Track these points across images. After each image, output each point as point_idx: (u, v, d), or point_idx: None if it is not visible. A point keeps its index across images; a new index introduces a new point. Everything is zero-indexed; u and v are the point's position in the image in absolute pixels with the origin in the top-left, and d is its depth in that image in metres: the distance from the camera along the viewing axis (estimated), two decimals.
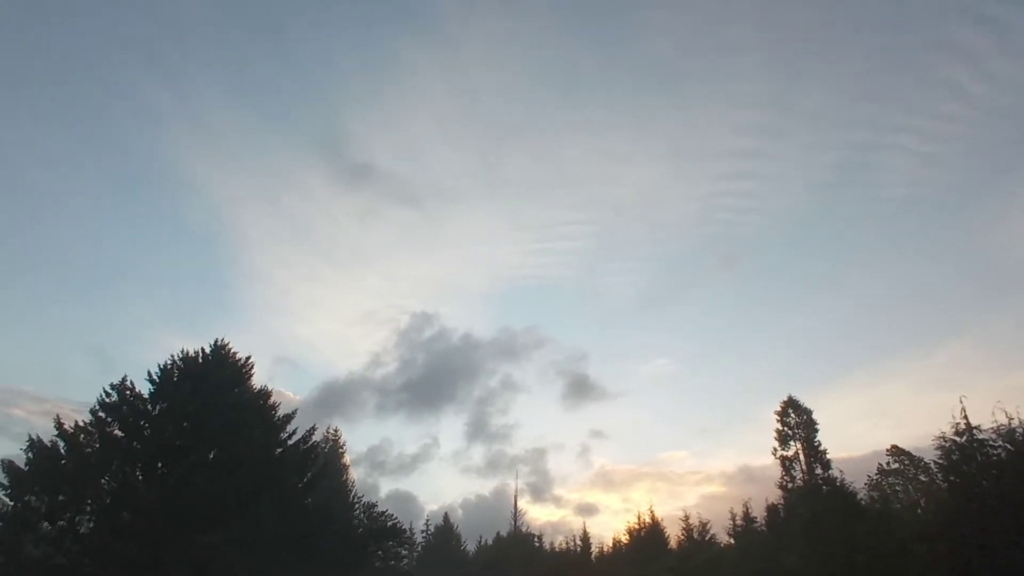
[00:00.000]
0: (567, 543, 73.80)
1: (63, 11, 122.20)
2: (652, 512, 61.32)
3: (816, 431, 38.16)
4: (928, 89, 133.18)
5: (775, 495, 40.17)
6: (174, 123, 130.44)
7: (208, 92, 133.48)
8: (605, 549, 69.65)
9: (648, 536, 59.80)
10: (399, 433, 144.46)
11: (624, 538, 64.69)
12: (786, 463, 38.02)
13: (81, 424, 27.56)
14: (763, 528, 44.09)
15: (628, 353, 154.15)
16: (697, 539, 54.47)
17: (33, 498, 25.39)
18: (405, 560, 54.85)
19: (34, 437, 26.62)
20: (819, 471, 36.54)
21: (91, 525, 25.91)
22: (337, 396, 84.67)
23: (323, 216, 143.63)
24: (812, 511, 33.72)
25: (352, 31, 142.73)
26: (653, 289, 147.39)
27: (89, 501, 26.03)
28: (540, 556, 66.21)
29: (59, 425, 27.02)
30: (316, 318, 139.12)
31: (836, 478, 35.67)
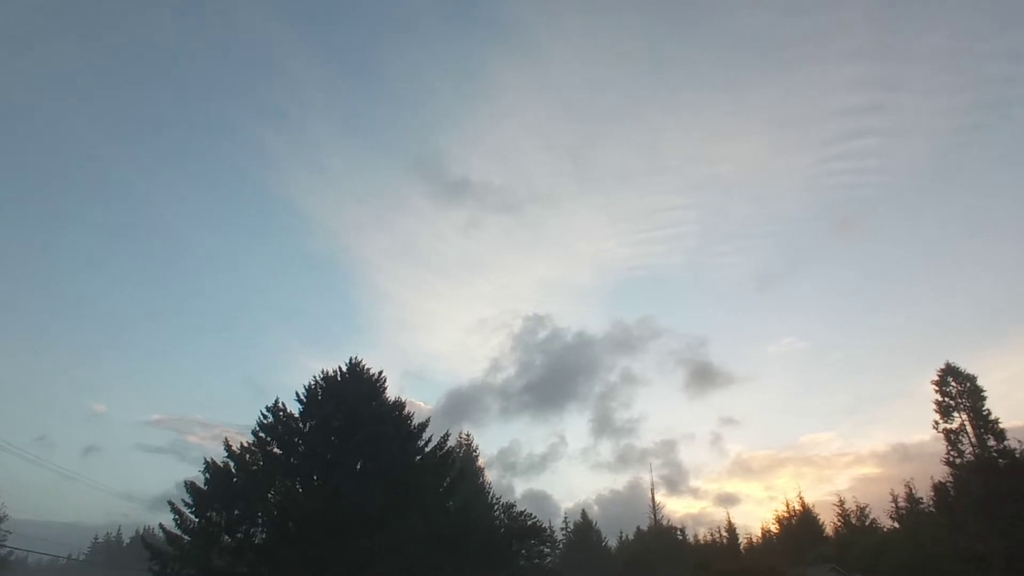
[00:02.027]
0: (711, 535, 71.54)
1: (199, 82, 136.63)
2: (801, 499, 58.10)
3: (983, 399, 34.48)
4: None
5: (939, 472, 36.67)
6: (293, 167, 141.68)
7: (318, 135, 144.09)
8: (754, 540, 66.80)
9: (800, 524, 56.71)
10: (526, 434, 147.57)
11: (774, 527, 61.79)
12: (951, 437, 34.66)
13: (245, 445, 30.49)
14: (931, 509, 40.40)
15: (751, 335, 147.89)
16: (856, 524, 50.89)
17: (214, 514, 28.29)
18: (548, 558, 55.51)
19: (208, 460, 29.81)
20: (992, 443, 32.99)
21: (263, 536, 28.51)
22: (463, 403, 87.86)
23: (431, 233, 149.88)
24: (988, 488, 30.47)
25: (438, 52, 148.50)
26: (769, 266, 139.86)
27: (260, 514, 28.66)
28: (685, 549, 64.61)
29: (228, 447, 30.07)
30: (436, 330, 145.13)
31: (1015, 449, 31.97)
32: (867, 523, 51.39)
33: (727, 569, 40.09)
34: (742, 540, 66.82)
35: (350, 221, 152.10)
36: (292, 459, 30.21)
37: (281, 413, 31.25)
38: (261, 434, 30.76)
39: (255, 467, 29.69)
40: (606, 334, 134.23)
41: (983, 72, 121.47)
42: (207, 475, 29.24)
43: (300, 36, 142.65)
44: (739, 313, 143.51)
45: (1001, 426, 33.15)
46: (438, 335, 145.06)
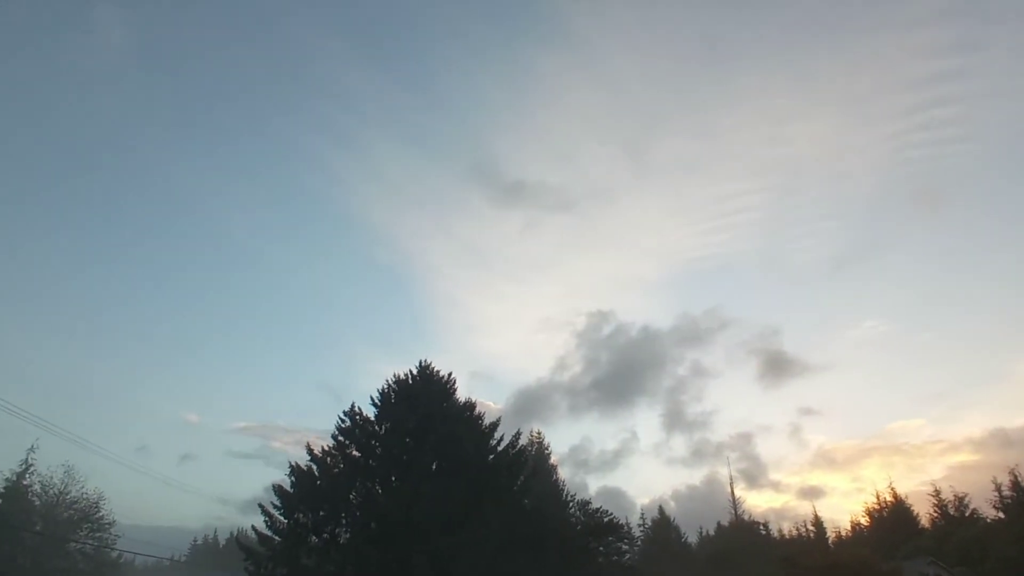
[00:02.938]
0: (797, 530, 69.02)
1: (265, 104, 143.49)
2: (893, 489, 55.18)
3: None
4: None
5: None
6: (356, 180, 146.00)
7: (377, 147, 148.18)
8: (843, 533, 64.03)
9: (893, 516, 54.00)
10: (596, 431, 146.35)
11: (864, 520, 59.04)
12: None
13: (326, 448, 31.66)
14: None
15: (827, 320, 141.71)
16: (955, 515, 47.93)
17: (300, 515, 29.50)
18: (627, 555, 54.99)
19: (293, 463, 31.12)
20: None
21: (347, 535, 29.52)
22: (531, 401, 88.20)
23: (491, 236, 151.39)
24: None
25: (487, 55, 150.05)
26: (845, 248, 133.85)
27: (343, 515, 29.70)
28: (769, 544, 62.59)
29: (310, 451, 31.31)
30: (501, 331, 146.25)
31: None
32: (967, 514, 48.29)
33: (816, 564, 38.56)
34: (830, 534, 64.17)
35: (412, 229, 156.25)
36: (371, 461, 31.16)
37: (358, 417, 32.31)
38: (340, 437, 31.88)
39: (336, 470, 30.77)
40: (672, 327, 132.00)
41: None
42: (292, 478, 30.51)
43: (354, 52, 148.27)
44: (813, 299, 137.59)
45: None
46: (503, 336, 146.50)
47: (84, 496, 46.51)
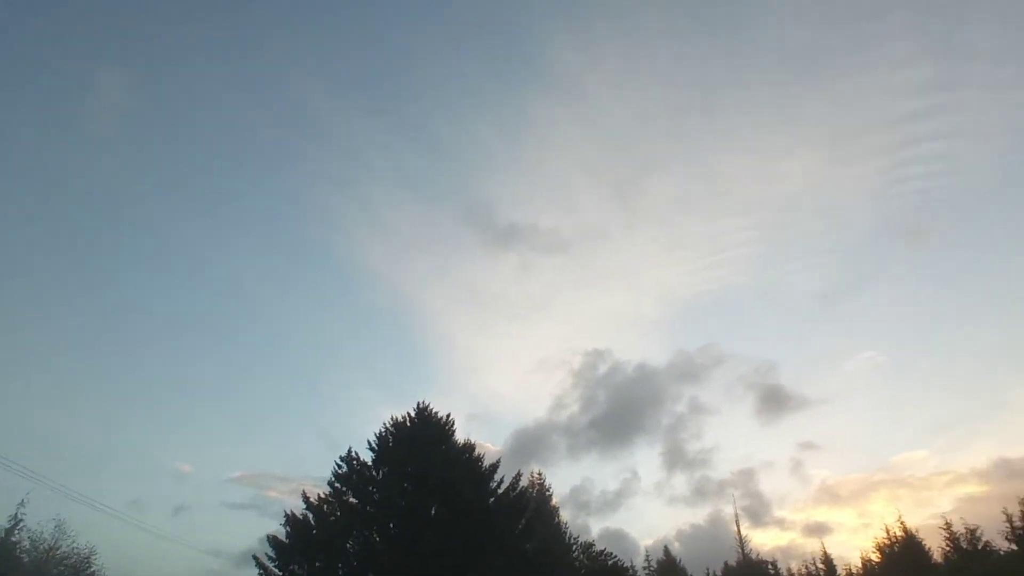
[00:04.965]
0: (806, 567, 67.36)
1: (264, 152, 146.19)
2: (902, 523, 53.98)
3: None
4: None
5: None
6: (355, 226, 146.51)
7: (375, 193, 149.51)
8: (853, 570, 62.50)
9: (904, 551, 52.64)
10: (597, 471, 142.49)
11: (874, 556, 57.62)
12: None
13: (322, 496, 30.94)
14: None
15: (823, 353, 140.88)
16: (967, 548, 46.84)
17: (296, 567, 28.68)
18: None
19: (288, 512, 30.37)
20: None
21: None
22: (530, 443, 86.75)
23: (487, 278, 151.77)
24: None
25: (481, 99, 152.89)
26: (838, 280, 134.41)
27: (340, 564, 28.86)
28: None
29: (306, 499, 30.58)
30: (498, 372, 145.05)
31: None
32: (980, 546, 47.26)
33: None
34: (841, 572, 62.59)
35: (410, 272, 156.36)
36: (368, 507, 30.42)
37: (355, 462, 31.67)
38: (337, 484, 31.19)
39: (332, 518, 30.03)
40: (669, 364, 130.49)
41: None
42: (288, 528, 29.75)
43: (353, 100, 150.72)
44: (809, 332, 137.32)
45: None
46: (501, 376, 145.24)
47: (75, 551, 45.05)
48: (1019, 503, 42.02)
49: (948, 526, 48.93)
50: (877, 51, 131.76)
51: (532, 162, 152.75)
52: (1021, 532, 41.51)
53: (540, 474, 53.46)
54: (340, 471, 31.47)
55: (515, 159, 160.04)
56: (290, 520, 29.86)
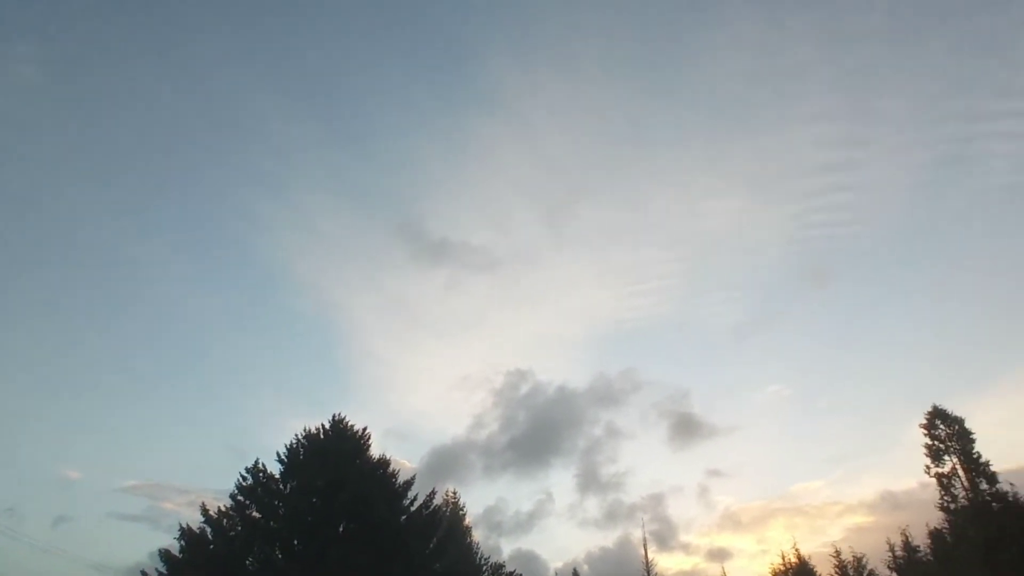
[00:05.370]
0: None
1: (191, 150, 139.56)
2: (797, 550, 56.69)
3: (972, 441, 34.33)
4: (1020, 69, 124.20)
5: (932, 519, 36.19)
6: (282, 231, 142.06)
7: (308, 200, 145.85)
8: None
9: None
10: (512, 492, 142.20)
11: None
12: (943, 481, 34.36)
13: (223, 509, 29.30)
14: (929, 557, 39.58)
15: (734, 384, 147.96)
16: None
17: None
18: None
19: (184, 526, 28.56)
20: (984, 486, 32.65)
21: None
22: (447, 461, 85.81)
23: (415, 292, 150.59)
24: (986, 533, 29.98)
25: (424, 115, 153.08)
26: (751, 316, 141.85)
27: None
28: None
29: (205, 512, 28.86)
30: (420, 387, 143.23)
31: (1007, 492, 31.70)
32: (865, 574, 50.28)
33: None
34: None
35: (336, 281, 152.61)
36: (272, 522, 29.02)
37: (261, 474, 30.22)
38: (240, 497, 29.62)
39: (233, 532, 28.47)
40: (589, 387, 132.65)
41: (941, 132, 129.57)
42: (182, 542, 27.98)
43: (288, 103, 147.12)
44: (722, 363, 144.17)
45: (992, 469, 32.97)
46: (422, 392, 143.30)
47: None
48: (900, 534, 45.01)
49: (837, 554, 51.77)
50: (797, 107, 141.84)
51: (468, 180, 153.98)
52: (902, 561, 44.36)
53: (455, 493, 52.84)
54: (245, 483, 29.95)
55: (452, 175, 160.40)
56: (185, 534, 28.10)
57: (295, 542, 28.42)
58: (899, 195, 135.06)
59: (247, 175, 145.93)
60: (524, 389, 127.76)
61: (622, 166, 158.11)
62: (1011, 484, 32.30)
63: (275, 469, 30.67)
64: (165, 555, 27.53)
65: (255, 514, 29.34)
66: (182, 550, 27.73)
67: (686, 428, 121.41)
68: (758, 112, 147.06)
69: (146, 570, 27.68)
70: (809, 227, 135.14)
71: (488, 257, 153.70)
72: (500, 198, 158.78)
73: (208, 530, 28.35)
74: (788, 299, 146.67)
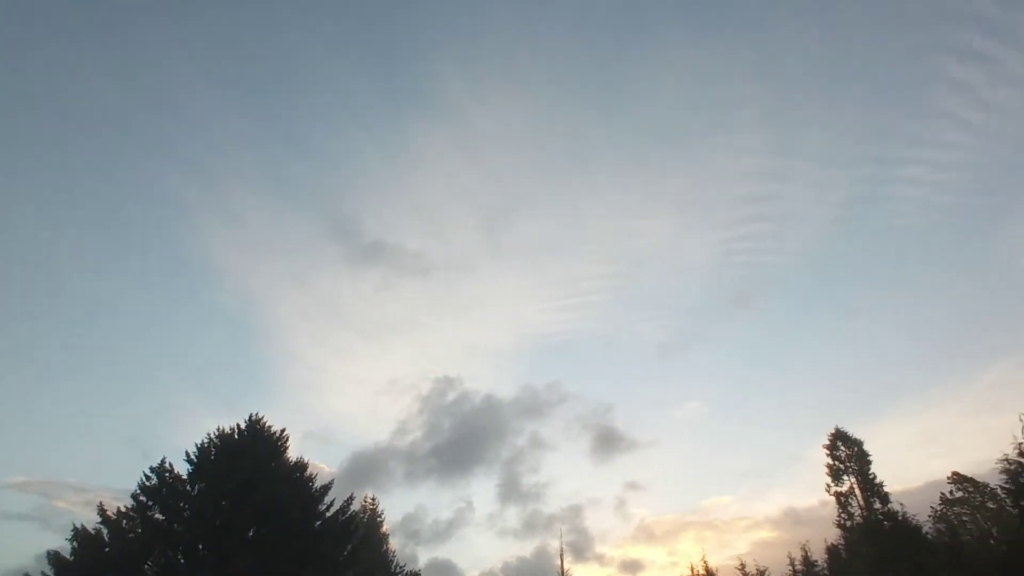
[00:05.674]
0: None
1: (114, 133, 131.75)
2: (705, 563, 58.70)
3: (869, 463, 36.61)
4: (929, 120, 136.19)
5: (830, 536, 38.36)
6: (206, 217, 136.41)
7: (238, 192, 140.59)
8: None
9: None
10: (432, 500, 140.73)
11: None
12: (841, 499, 36.41)
13: (123, 510, 27.63)
14: (825, 572, 41.82)
15: (656, 400, 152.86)
16: None
17: None
18: None
19: (77, 526, 26.76)
20: (878, 505, 34.82)
21: None
22: (367, 466, 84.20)
23: (346, 293, 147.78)
24: (876, 549, 31.94)
25: (366, 117, 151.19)
26: (675, 335, 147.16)
27: None
28: None
29: (102, 512, 27.13)
30: (345, 390, 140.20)
31: (897, 511, 33.93)
32: None
33: None
34: None
35: (264, 276, 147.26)
36: (176, 525, 27.58)
37: (167, 474, 28.68)
38: (142, 497, 28.00)
39: (131, 535, 26.87)
40: (515, 397, 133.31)
41: (856, 172, 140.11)
42: (74, 544, 26.21)
43: (224, 93, 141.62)
44: (645, 379, 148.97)
45: (886, 490, 35.22)
46: (346, 395, 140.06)
47: None
48: (801, 548, 47.36)
49: (743, 567, 53.96)
50: (729, 138, 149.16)
51: (407, 183, 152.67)
52: (801, 574, 46.67)
53: (374, 499, 51.83)
54: (148, 483, 28.34)
55: (391, 178, 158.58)
56: (79, 534, 26.35)
57: (200, 546, 27.12)
58: (815, 228, 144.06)
59: (175, 160, 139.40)
60: (451, 396, 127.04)
61: (561, 181, 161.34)
62: (901, 504, 34.67)
63: (183, 469, 29.22)
64: (54, 557, 25.74)
65: (158, 516, 27.81)
66: (74, 552, 25.99)
67: (608, 441, 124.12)
68: (693, 140, 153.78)
69: (30, 573, 25.77)
70: (733, 253, 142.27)
71: (423, 262, 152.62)
72: (439, 204, 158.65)
73: (104, 531, 26.69)
74: (711, 320, 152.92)
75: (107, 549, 26.09)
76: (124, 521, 27.20)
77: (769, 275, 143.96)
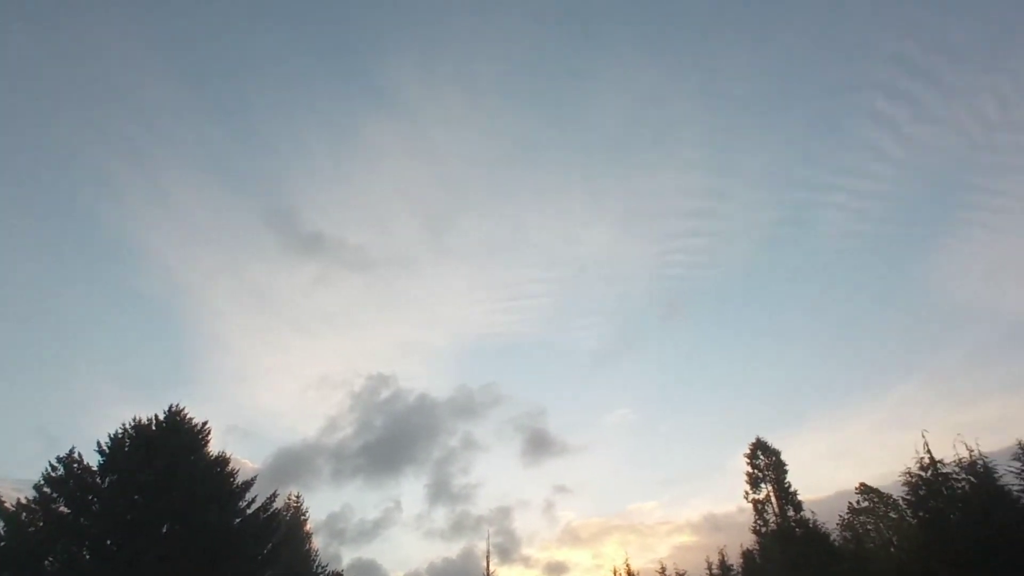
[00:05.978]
0: None
1: (29, 97, 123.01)
2: (628, 566, 60.05)
3: (786, 472, 38.23)
4: (855, 152, 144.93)
5: (746, 541, 39.87)
6: (132, 194, 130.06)
7: (171, 170, 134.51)
8: None
9: None
10: (359, 499, 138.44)
11: None
12: (758, 506, 37.86)
13: (24, 502, 25.94)
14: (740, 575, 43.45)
15: (588, 405, 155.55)
16: None
17: None
18: None
19: None
20: (791, 513, 36.39)
21: None
22: (294, 462, 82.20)
23: (280, 284, 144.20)
24: (787, 555, 33.38)
25: (312, 102, 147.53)
26: (611, 342, 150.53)
27: None
28: None
29: None
30: (274, 384, 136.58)
31: (808, 519, 35.55)
32: None
33: None
34: None
35: (193, 261, 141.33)
36: (82, 519, 26.09)
37: (75, 465, 27.12)
38: (46, 489, 26.37)
39: (32, 528, 25.25)
40: (450, 398, 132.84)
41: (787, 196, 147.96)
42: None
43: (163, 65, 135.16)
44: (580, 384, 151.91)
45: (799, 498, 36.87)
46: (275, 389, 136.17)
47: None
48: (718, 553, 49.04)
49: (663, 570, 55.43)
50: (670, 155, 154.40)
51: (353, 177, 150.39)
52: None
53: (298, 497, 50.60)
54: (54, 474, 26.73)
55: (336, 171, 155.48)
56: None
57: (108, 541, 25.74)
58: (747, 247, 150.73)
59: (100, 134, 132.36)
60: (384, 394, 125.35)
61: (507, 186, 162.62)
62: (812, 512, 36.37)
63: (94, 460, 27.71)
64: None
65: (63, 509, 26.25)
66: None
67: (539, 444, 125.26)
68: (636, 154, 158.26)
69: None
70: (669, 265, 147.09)
71: (363, 257, 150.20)
72: (384, 200, 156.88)
73: (0, 524, 24.97)
74: (645, 329, 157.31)
75: (2, 543, 24.42)
76: (24, 513, 25.53)
77: (701, 289, 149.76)
